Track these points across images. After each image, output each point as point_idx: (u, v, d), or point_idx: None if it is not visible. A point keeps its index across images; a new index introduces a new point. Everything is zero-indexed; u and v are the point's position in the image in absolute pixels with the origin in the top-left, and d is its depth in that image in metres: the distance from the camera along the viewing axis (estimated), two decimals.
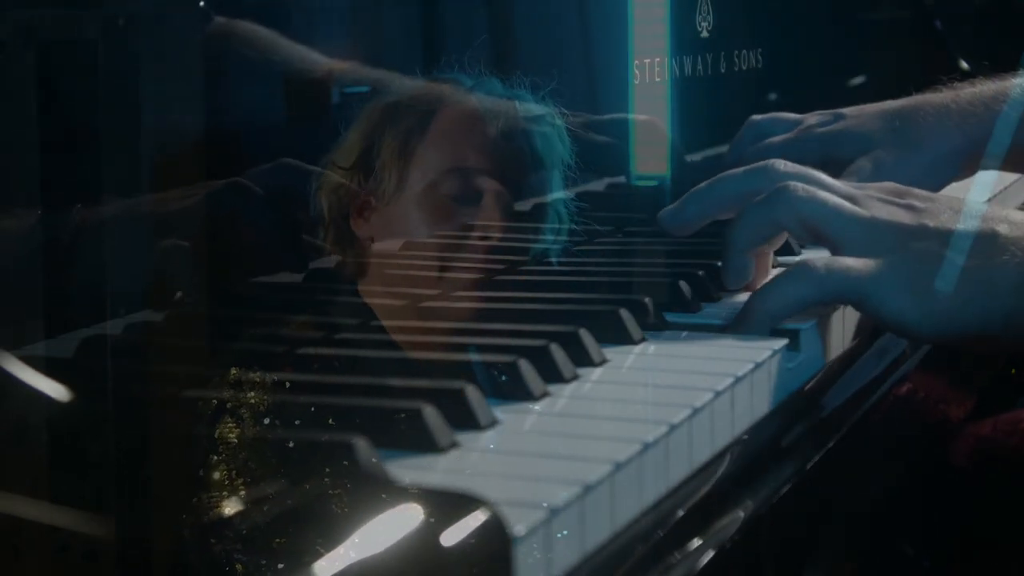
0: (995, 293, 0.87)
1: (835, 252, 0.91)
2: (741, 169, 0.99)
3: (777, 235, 0.96)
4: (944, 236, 0.89)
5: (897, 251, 0.89)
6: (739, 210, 0.95)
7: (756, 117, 1.28)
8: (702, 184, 0.99)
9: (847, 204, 0.92)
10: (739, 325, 0.90)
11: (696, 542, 0.68)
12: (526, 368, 0.75)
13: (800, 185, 0.93)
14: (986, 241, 0.89)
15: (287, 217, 0.85)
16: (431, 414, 0.67)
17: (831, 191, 0.93)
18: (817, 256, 0.90)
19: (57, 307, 0.69)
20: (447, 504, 0.58)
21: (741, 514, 0.72)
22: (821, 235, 0.92)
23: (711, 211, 0.99)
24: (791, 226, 0.93)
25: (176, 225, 0.77)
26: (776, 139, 1.23)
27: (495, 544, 0.57)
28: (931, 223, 0.90)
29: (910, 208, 0.92)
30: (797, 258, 1.04)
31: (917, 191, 0.95)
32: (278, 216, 0.85)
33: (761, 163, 0.98)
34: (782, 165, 0.97)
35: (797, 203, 0.92)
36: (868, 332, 1.01)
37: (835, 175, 1.14)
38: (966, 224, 0.90)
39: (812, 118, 1.25)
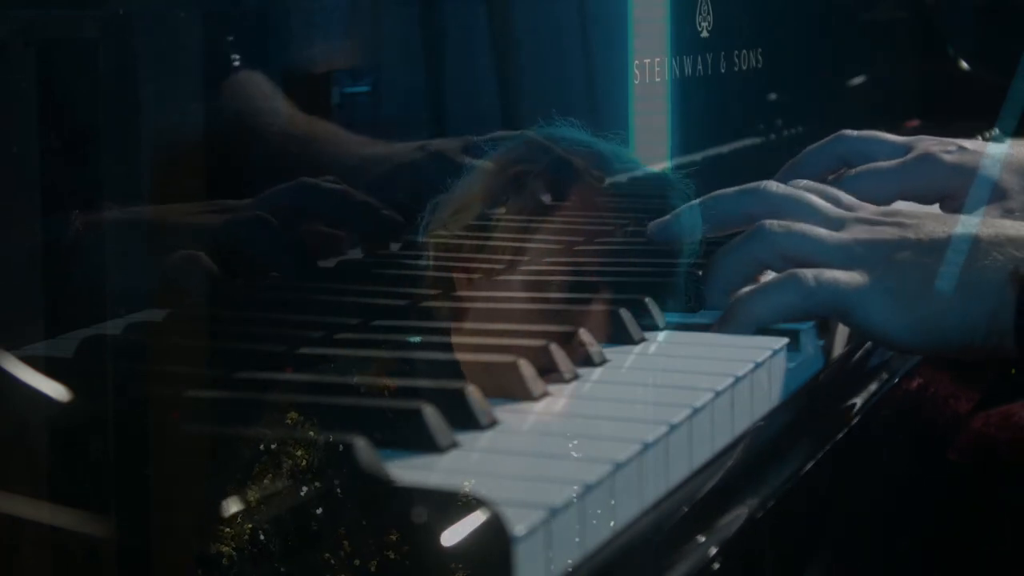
0: (976, 301, 0.87)
1: None
2: (734, 189, 0.99)
3: (759, 273, 0.96)
4: (925, 246, 0.89)
5: (880, 265, 0.89)
6: (724, 231, 0.96)
7: (850, 133, 1.19)
8: (695, 200, 0.99)
9: (825, 231, 0.92)
10: (722, 326, 0.90)
11: (696, 542, 0.68)
12: (526, 368, 0.75)
13: (775, 222, 0.93)
14: (967, 249, 0.89)
15: (298, 246, 0.85)
16: (431, 414, 0.67)
17: (818, 216, 0.94)
18: (807, 268, 0.90)
19: (57, 307, 0.69)
20: (447, 504, 0.58)
21: (741, 514, 0.72)
22: (804, 265, 0.92)
23: (700, 228, 0.99)
24: (771, 261, 0.93)
25: (185, 238, 0.77)
26: (890, 163, 1.15)
27: (495, 544, 0.57)
28: (913, 235, 0.90)
29: (895, 225, 0.92)
30: None
31: (907, 210, 0.95)
32: (291, 250, 0.85)
33: (753, 184, 0.98)
34: (774, 187, 0.97)
35: (774, 238, 0.92)
36: None
37: (952, 210, 1.12)
38: (947, 233, 0.90)
39: (930, 144, 1.16)
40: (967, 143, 1.15)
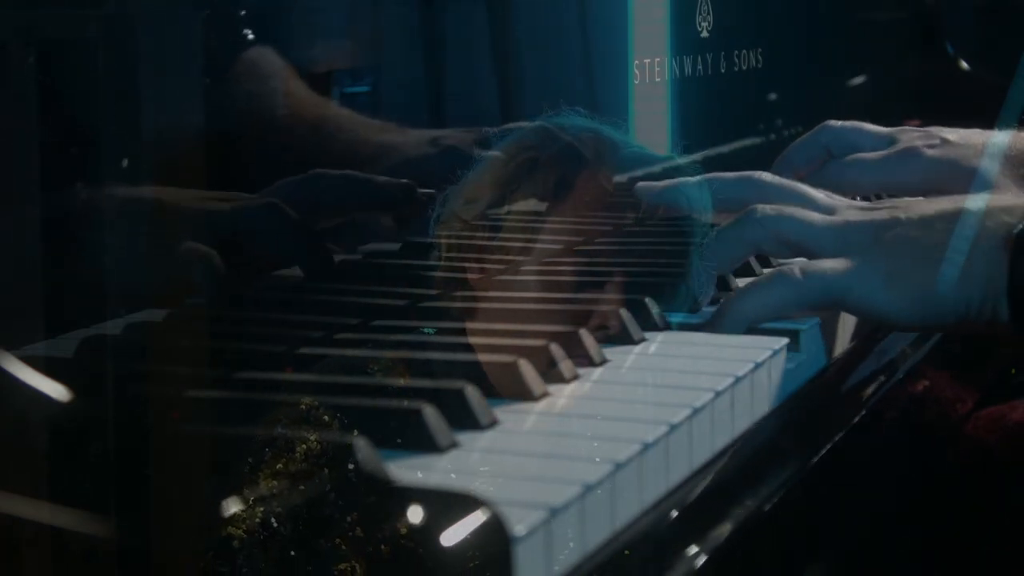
0: (970, 269, 0.88)
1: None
2: (730, 174, 0.99)
3: (751, 254, 0.97)
4: (915, 222, 0.90)
5: (872, 245, 0.90)
6: (713, 218, 0.97)
7: (834, 123, 1.18)
8: (691, 178, 1.00)
9: (817, 215, 0.93)
10: (714, 326, 0.90)
11: (696, 542, 0.68)
12: (526, 368, 0.76)
13: (766, 206, 0.94)
14: (957, 220, 0.89)
15: (312, 235, 0.85)
16: (431, 414, 0.67)
17: (811, 204, 0.94)
18: (793, 262, 0.91)
19: (57, 307, 0.69)
20: (447, 504, 0.58)
21: (741, 514, 0.72)
22: (797, 247, 0.93)
23: (688, 203, 0.99)
24: (765, 243, 0.94)
25: (192, 231, 0.77)
26: (874, 155, 1.14)
27: (495, 544, 0.57)
28: (903, 215, 0.91)
29: (887, 208, 0.93)
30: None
31: (899, 200, 0.96)
32: (305, 240, 0.84)
33: (748, 173, 0.99)
34: (768, 177, 0.98)
35: (766, 221, 0.93)
36: (868, 332, 1.01)
37: None
38: (936, 208, 0.91)
39: (914, 137, 1.15)
40: (950, 134, 1.14)
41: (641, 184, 1.00)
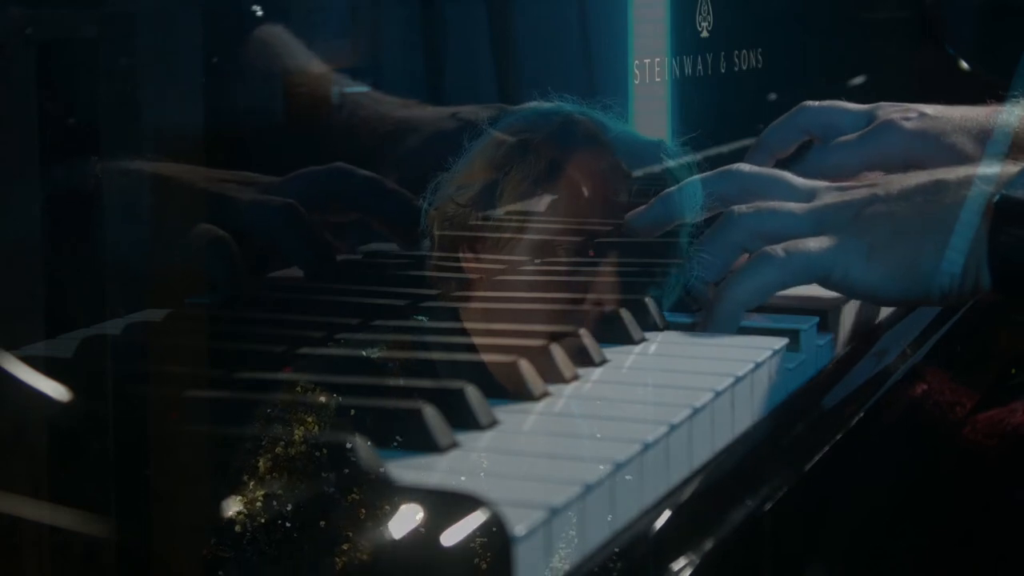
0: (950, 238, 0.88)
1: None
2: (707, 173, 0.99)
3: (739, 257, 0.97)
4: (894, 197, 0.91)
5: (853, 222, 0.90)
6: (701, 220, 0.97)
7: (811, 104, 1.17)
8: (670, 188, 1.00)
9: (794, 204, 0.93)
10: (709, 317, 0.90)
11: (696, 542, 0.68)
12: (526, 368, 0.75)
13: (742, 206, 0.94)
14: (936, 191, 0.90)
15: (323, 241, 0.85)
16: (431, 414, 0.67)
17: (790, 190, 0.95)
18: (780, 242, 0.91)
19: (60, 305, 0.69)
20: (447, 504, 0.58)
21: (741, 514, 0.72)
22: (781, 240, 0.93)
23: (678, 213, 0.99)
24: (749, 242, 0.94)
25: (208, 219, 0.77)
26: (853, 136, 1.12)
27: (495, 544, 0.57)
28: (881, 191, 0.92)
29: (866, 186, 0.93)
30: None
31: (877, 178, 0.96)
32: (316, 246, 0.84)
33: (725, 168, 0.99)
34: (746, 168, 0.98)
35: (744, 221, 0.93)
36: (868, 332, 1.01)
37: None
38: (914, 182, 0.91)
39: (891, 111, 1.13)
40: (928, 108, 1.14)
41: (628, 215, 1.01)
